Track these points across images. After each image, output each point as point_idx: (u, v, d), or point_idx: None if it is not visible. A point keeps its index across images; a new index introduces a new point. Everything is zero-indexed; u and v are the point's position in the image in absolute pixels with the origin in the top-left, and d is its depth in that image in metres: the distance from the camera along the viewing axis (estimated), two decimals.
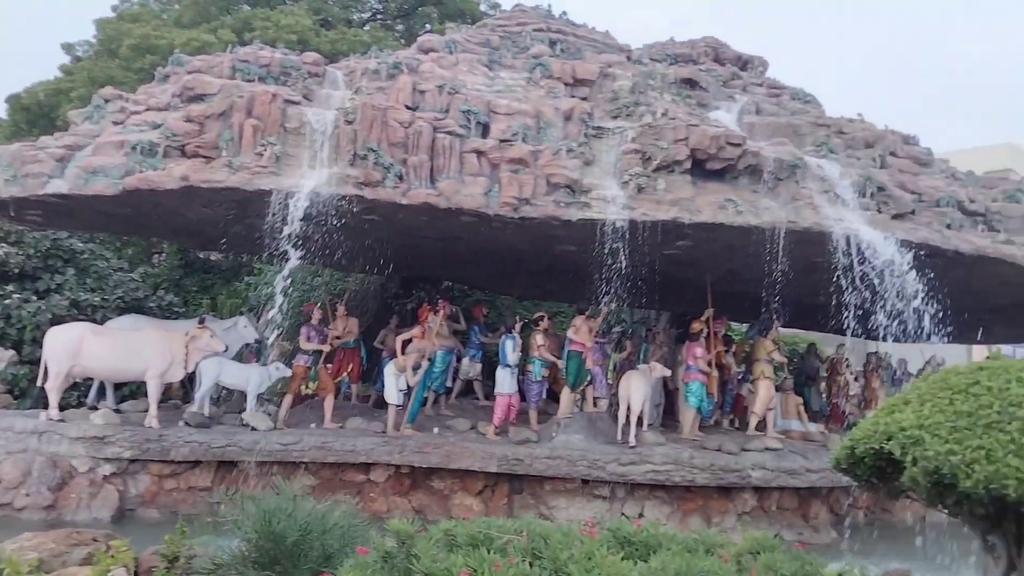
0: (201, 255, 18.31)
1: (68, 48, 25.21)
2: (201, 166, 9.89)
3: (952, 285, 10.54)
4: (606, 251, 9.78)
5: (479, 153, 10.17)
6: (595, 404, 12.43)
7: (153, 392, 10.82)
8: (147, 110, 11.02)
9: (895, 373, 16.26)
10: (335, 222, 9.83)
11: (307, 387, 12.24)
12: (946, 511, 4.62)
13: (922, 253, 9.95)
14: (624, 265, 9.95)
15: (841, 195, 10.19)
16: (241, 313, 14.06)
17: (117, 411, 11.42)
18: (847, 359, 16.06)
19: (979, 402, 4.30)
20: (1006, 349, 26.88)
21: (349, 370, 13.09)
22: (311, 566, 5.07)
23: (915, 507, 12.16)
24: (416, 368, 11.37)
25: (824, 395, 15.84)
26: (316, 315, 12.06)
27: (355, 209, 9.83)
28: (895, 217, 10.42)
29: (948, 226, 10.58)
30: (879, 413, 4.82)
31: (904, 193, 10.80)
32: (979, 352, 26.01)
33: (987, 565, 4.79)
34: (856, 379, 15.90)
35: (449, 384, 13.38)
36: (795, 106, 12.96)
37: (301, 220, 9.37)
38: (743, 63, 14.64)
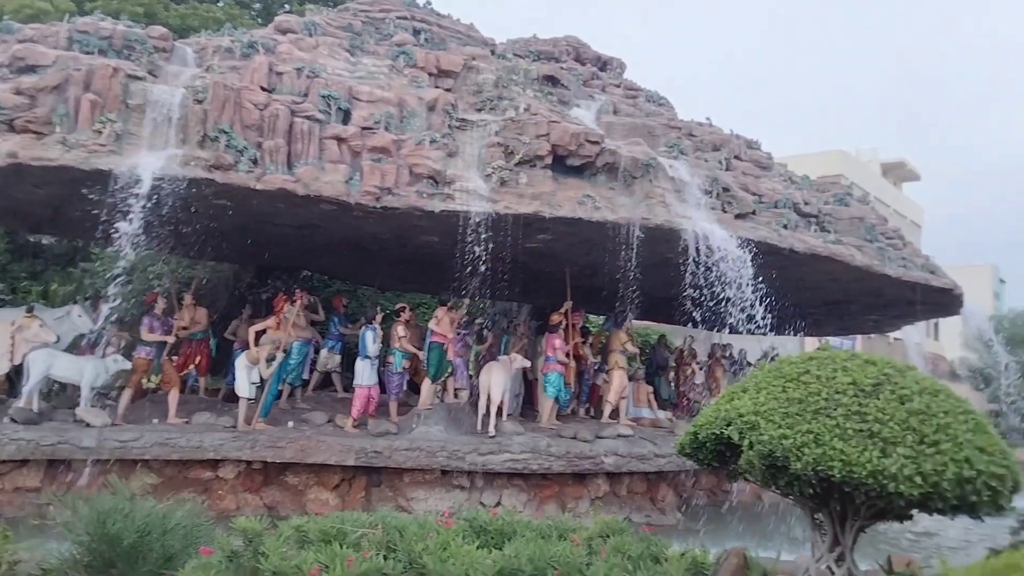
0: (31, 238, 16.83)
1: None
2: (32, 142, 9.07)
3: (788, 281, 11.33)
4: (468, 243, 9.80)
5: (340, 140, 9.91)
6: (456, 395, 12.48)
7: None
8: None
9: (737, 363, 17.31)
10: (183, 206, 9.29)
11: (149, 380, 11.53)
12: (779, 491, 4.95)
13: (761, 251, 10.62)
14: (486, 257, 10.02)
15: (690, 194, 10.70)
16: (75, 302, 13.03)
17: None
18: (694, 350, 16.93)
19: (809, 390, 4.63)
20: (834, 341, 29.25)
21: (197, 362, 12.49)
22: (150, 568, 4.81)
23: (753, 488, 12.99)
24: (270, 360, 10.98)
25: (673, 384, 16.64)
26: (160, 304, 11.40)
27: (205, 193, 9.34)
28: (738, 216, 11.06)
29: (785, 226, 11.34)
30: (719, 401, 5.10)
31: (747, 194, 11.48)
32: (811, 344, 28.19)
33: (815, 540, 5.18)
34: (702, 369, 16.78)
35: (306, 376, 13.00)
36: (650, 108, 13.49)
37: (144, 203, 8.77)
38: (603, 64, 15.08)
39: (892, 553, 6.66)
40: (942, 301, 13.74)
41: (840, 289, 13.07)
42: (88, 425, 10.13)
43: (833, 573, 4.96)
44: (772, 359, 16.14)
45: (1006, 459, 4.39)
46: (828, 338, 27.47)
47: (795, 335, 19.33)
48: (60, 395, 11.97)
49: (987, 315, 38.75)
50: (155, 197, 8.91)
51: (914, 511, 4.73)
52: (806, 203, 12.19)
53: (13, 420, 9.97)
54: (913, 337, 20.60)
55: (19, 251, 16.79)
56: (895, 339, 32.02)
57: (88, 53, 10.11)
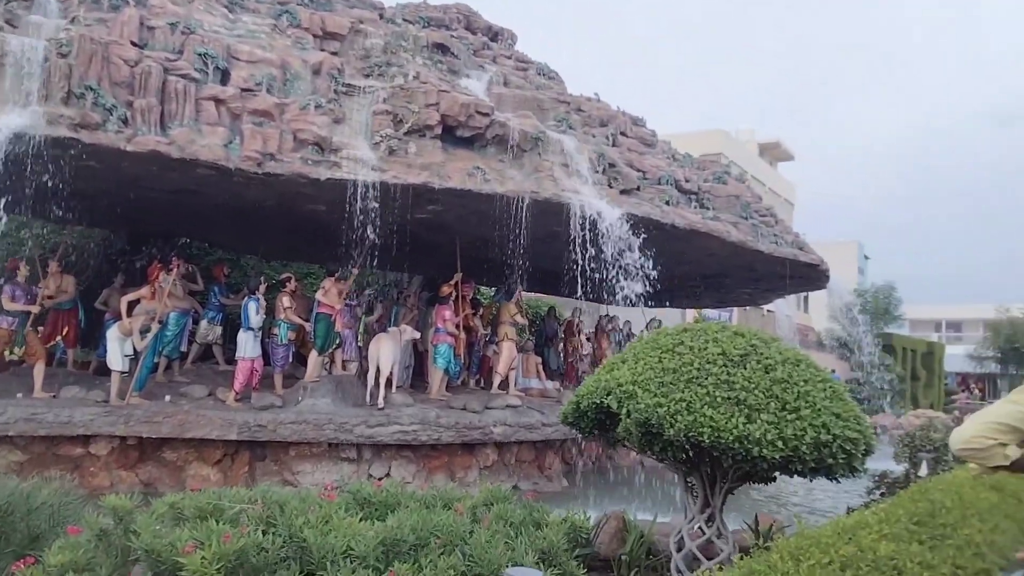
0: None
1: None
2: None
3: (669, 256, 11.74)
4: (356, 212, 9.63)
5: (218, 101, 9.48)
6: (344, 367, 12.32)
7: None
8: None
9: (622, 333, 17.86)
10: (45, 168, 8.68)
11: (12, 352, 10.81)
12: (655, 457, 5.18)
13: (645, 226, 10.95)
14: (375, 227, 9.88)
15: (578, 169, 10.88)
16: None
17: None
18: (581, 321, 17.34)
19: (682, 360, 4.84)
20: (713, 313, 30.61)
21: (64, 333, 11.80)
22: (14, 550, 4.57)
23: (634, 455, 13.52)
24: (144, 331, 10.50)
25: (561, 355, 17.00)
26: (23, 271, 10.67)
27: (70, 154, 8.74)
28: (623, 192, 11.34)
29: (667, 202, 11.72)
30: (601, 371, 5.26)
31: (631, 170, 11.78)
32: (692, 315, 29.40)
33: (687, 502, 5.46)
34: (589, 340, 17.22)
35: (184, 349, 12.50)
36: (540, 81, 13.58)
37: (2, 163, 8.14)
38: (494, 34, 15.03)
39: (760, 513, 7.11)
40: (810, 276, 14.60)
41: (717, 263, 13.66)
42: None
43: (704, 532, 5.24)
44: (653, 330, 16.76)
45: (860, 424, 4.73)
46: (706, 310, 28.75)
47: (675, 307, 20.12)
48: None
49: (851, 289, 41.55)
50: (14, 156, 8.29)
51: (776, 473, 5.05)
52: (687, 180, 12.63)
53: None
54: (784, 309, 21.81)
55: None
56: (768, 311, 33.84)
57: None
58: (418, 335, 12.82)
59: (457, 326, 12.59)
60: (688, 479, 5.41)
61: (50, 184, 9.15)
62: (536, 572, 3.70)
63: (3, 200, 8.77)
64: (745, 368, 4.75)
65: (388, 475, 10.70)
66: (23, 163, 8.46)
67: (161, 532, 3.80)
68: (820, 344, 39.90)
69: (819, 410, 4.60)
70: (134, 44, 9.47)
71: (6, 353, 10.79)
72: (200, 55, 9.58)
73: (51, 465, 9.66)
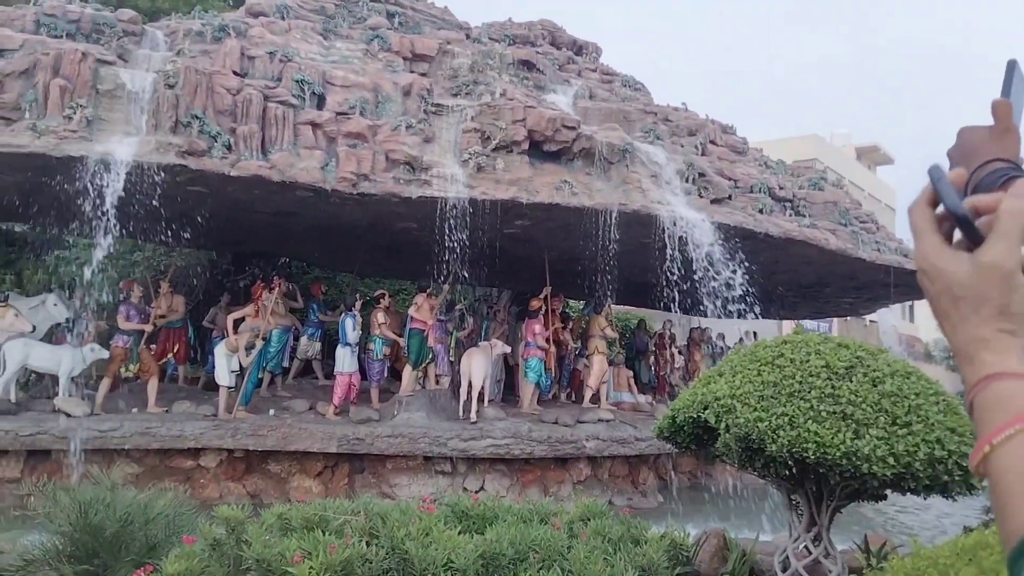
0: (3, 226, 16.56)
1: None
2: (0, 129, 8.92)
3: (763, 265, 11.44)
4: (447, 229, 9.79)
5: (315, 125, 9.84)
6: (437, 381, 12.49)
7: None
8: None
9: (715, 346, 17.48)
10: (156, 193, 9.19)
11: (127, 369, 11.44)
12: (755, 473, 5.04)
13: (737, 235, 10.71)
14: (465, 243, 10.01)
15: (667, 179, 10.75)
16: (50, 290, 12.85)
17: None
18: (673, 334, 17.06)
19: (783, 373, 4.70)
20: (811, 324, 29.60)
21: (175, 351, 12.40)
22: (133, 558, 4.80)
23: (732, 471, 13.17)
24: (250, 348, 10.93)
25: (653, 368, 16.77)
26: (137, 292, 11.29)
27: (179, 180, 9.24)
28: (714, 201, 11.14)
29: (760, 211, 11.44)
30: (697, 384, 5.16)
31: (722, 179, 11.56)
32: (788, 327, 28.49)
33: (792, 521, 5.28)
34: (681, 352, 16.93)
35: (286, 364, 12.95)
36: (626, 93, 13.51)
37: (117, 190, 8.67)
38: (578, 48, 15.06)
39: (869, 533, 6.81)
40: (916, 284, 13.88)
41: (815, 272, 13.22)
42: (67, 415, 10.04)
43: (811, 552, 5.06)
44: (748, 342, 16.33)
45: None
46: (804, 321, 27.82)
47: (771, 318, 19.54)
48: (37, 385, 11.84)
49: None
50: (128, 184, 8.81)
51: (888, 491, 4.83)
52: (781, 188, 12.29)
53: None
54: (888, 319, 20.90)
55: None
56: (871, 321, 32.48)
57: (56, 37, 9.95)
58: (508, 349, 12.89)
59: (547, 340, 12.60)
60: (792, 496, 5.23)
61: (160, 209, 9.68)
62: None
63: (119, 224, 9.31)
64: (851, 381, 4.58)
65: (483, 488, 10.77)
66: (135, 189, 8.99)
67: (271, 542, 3.94)
68: (928, 356, 37.99)
69: (932, 425, 4.38)
70: (236, 73, 9.95)
71: (122, 370, 11.41)
72: (297, 82, 9.98)
73: (164, 477, 10.14)
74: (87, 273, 9.74)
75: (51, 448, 9.70)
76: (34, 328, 10.72)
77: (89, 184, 8.72)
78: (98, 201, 8.71)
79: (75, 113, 9.02)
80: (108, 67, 9.57)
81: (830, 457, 4.30)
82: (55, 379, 10.71)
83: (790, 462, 4.56)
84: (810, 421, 4.40)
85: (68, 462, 9.77)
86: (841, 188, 14.19)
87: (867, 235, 12.74)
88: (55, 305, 11.70)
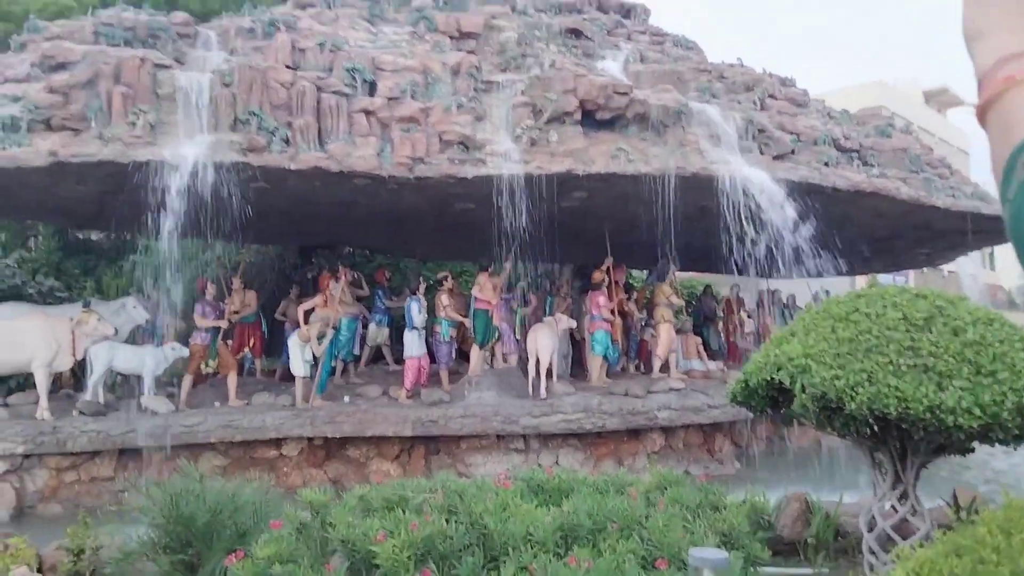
0: (80, 235, 17.27)
1: None
2: (70, 139, 9.26)
3: (833, 220, 11.08)
4: (504, 206, 9.78)
5: (368, 112, 9.91)
6: (505, 360, 12.56)
7: (42, 382, 10.23)
8: (5, 82, 10.18)
9: (786, 307, 17.08)
10: (221, 191, 9.42)
11: (207, 365, 11.82)
12: (835, 433, 4.91)
13: (803, 191, 10.40)
14: (523, 219, 9.98)
15: (725, 138, 10.49)
16: (128, 294, 13.37)
17: (5, 405, 10.76)
18: (741, 297, 16.74)
19: (859, 328, 4.56)
20: (884, 278, 28.64)
21: (251, 345, 12.75)
22: (224, 545, 4.98)
23: (811, 433, 12.90)
24: (321, 337, 11.16)
25: (722, 334, 16.50)
26: (210, 290, 11.64)
27: (241, 177, 9.44)
28: (776, 157, 10.82)
29: (826, 163, 11.07)
30: (768, 346, 5.05)
31: (783, 134, 11.21)
32: (862, 283, 27.65)
33: (876, 480, 5.14)
34: (750, 316, 16.61)
35: (357, 351, 13.20)
36: (678, 53, 13.20)
37: (184, 191, 8.92)
38: (626, 11, 14.76)
39: (958, 487, 6.59)
40: (995, 229, 13.32)
41: (887, 224, 12.76)
42: (154, 413, 10.46)
43: (897, 511, 4.92)
44: (821, 301, 15.91)
45: None
46: (879, 275, 26.94)
47: (844, 275, 18.99)
48: (124, 386, 12.35)
49: None
50: (193, 184, 9.06)
51: (975, 443, 4.66)
52: (846, 138, 11.87)
53: (82, 413, 10.33)
54: (967, 268, 20.07)
55: (70, 248, 17.23)
56: (949, 272, 31.25)
57: (114, 45, 10.24)
58: (574, 324, 12.85)
59: (612, 312, 12.51)
60: (875, 455, 5.09)
61: (226, 206, 9.93)
62: (721, 552, 3.61)
63: (188, 225, 9.59)
64: (931, 332, 4.41)
65: (556, 464, 10.82)
66: (202, 189, 9.23)
67: (354, 523, 4.03)
68: (1012, 303, 36.40)
69: (1019, 372, 4.20)
70: (288, 67, 10.09)
71: (202, 366, 11.81)
72: (348, 70, 10.06)
73: (249, 467, 10.48)
74: (162, 275, 10.08)
75: (141, 445, 10.11)
76: (116, 331, 11.15)
77: (157, 187, 8.99)
78: (166, 203, 8.98)
79: (138, 119, 9.29)
80: (166, 71, 9.81)
81: (912, 412, 4.17)
82: (140, 379, 11.15)
83: (871, 420, 4.43)
84: (890, 376, 4.27)
85: (157, 458, 10.20)
86: (910, 134, 13.61)
87: (940, 181, 12.21)
88: (134, 308, 12.17)
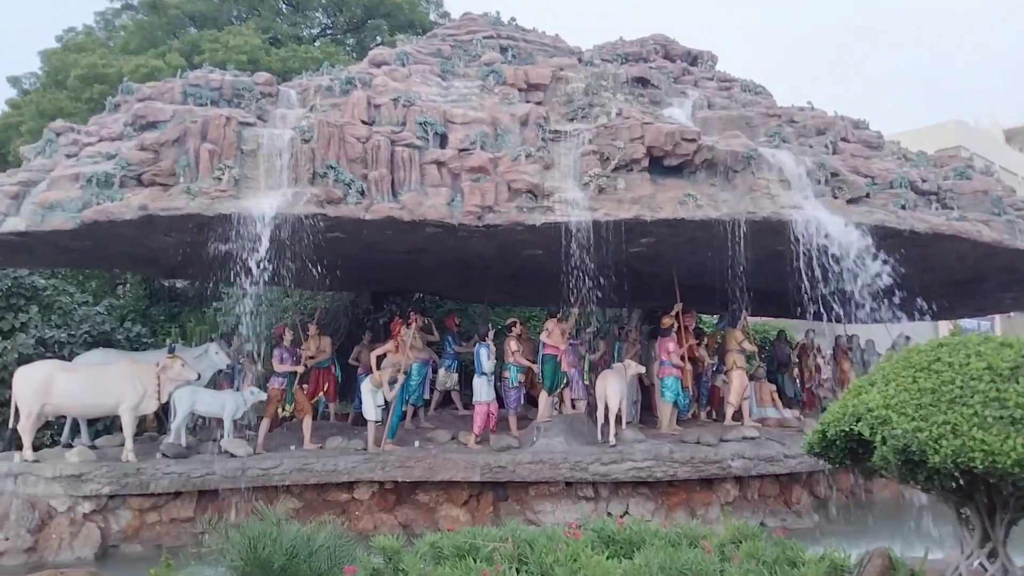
0: (166, 283, 18.09)
1: (14, 81, 24.80)
2: (159, 194, 9.79)
3: (911, 264, 10.78)
4: (572, 253, 9.86)
5: (439, 164, 10.20)
6: (573, 406, 12.50)
7: (128, 425, 10.66)
8: (100, 141, 10.89)
9: (864, 354, 16.55)
10: (300, 242, 9.79)
11: (284, 409, 12.14)
12: (919, 487, 4.74)
13: (879, 235, 10.17)
14: (591, 265, 10.04)
15: (796, 183, 10.38)
16: (211, 339, 13.89)
17: (92, 447, 11.22)
18: (816, 343, 16.31)
19: (941, 378, 4.43)
20: (969, 323, 27.50)
21: (325, 389, 13.03)
22: None
23: (893, 486, 12.37)
24: (392, 383, 11.34)
25: (797, 381, 16.07)
26: (288, 336, 11.98)
27: (319, 227, 9.80)
28: (850, 201, 10.63)
29: (902, 207, 10.82)
30: (847, 395, 4.94)
31: (857, 177, 11.02)
32: (945, 328, 26.59)
33: (963, 537, 4.93)
34: (827, 362, 16.15)
35: (427, 396, 13.35)
36: (746, 98, 13.17)
37: (265, 242, 9.30)
38: (692, 58, 14.86)
39: None
40: None
41: (969, 268, 12.32)
42: (232, 455, 10.76)
43: (986, 570, 4.70)
44: (901, 347, 15.38)
45: None
46: (962, 320, 25.89)
47: (924, 319, 18.32)
48: (204, 428, 12.76)
49: None
50: (274, 235, 9.44)
51: None
52: (924, 180, 11.58)
53: (164, 455, 10.71)
54: None
55: (156, 296, 18.06)
56: None
57: (201, 105, 10.84)
58: (643, 369, 12.73)
59: (682, 357, 12.37)
60: (961, 510, 4.89)
61: (304, 256, 10.30)
62: None
63: (268, 273, 9.96)
64: (1018, 383, 4.26)
65: (627, 513, 10.63)
66: (282, 239, 9.62)
67: (425, 570, 4.08)
68: None
69: None
70: (363, 122, 10.49)
71: (279, 410, 12.12)
72: (420, 124, 10.40)
73: (322, 510, 10.60)
74: (243, 322, 10.47)
75: (220, 487, 10.40)
76: (199, 376, 11.58)
77: (240, 238, 9.41)
78: (248, 253, 9.37)
79: (223, 174, 9.77)
80: (249, 128, 10.32)
81: (1000, 466, 4.02)
82: (220, 422, 11.51)
83: (956, 473, 4.28)
84: (975, 428, 4.13)
85: (235, 499, 10.46)
86: (991, 175, 13.18)
87: None
88: (216, 353, 12.62)
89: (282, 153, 10.07)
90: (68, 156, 10.76)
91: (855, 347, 16.27)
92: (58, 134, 11.27)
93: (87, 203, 9.75)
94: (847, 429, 4.70)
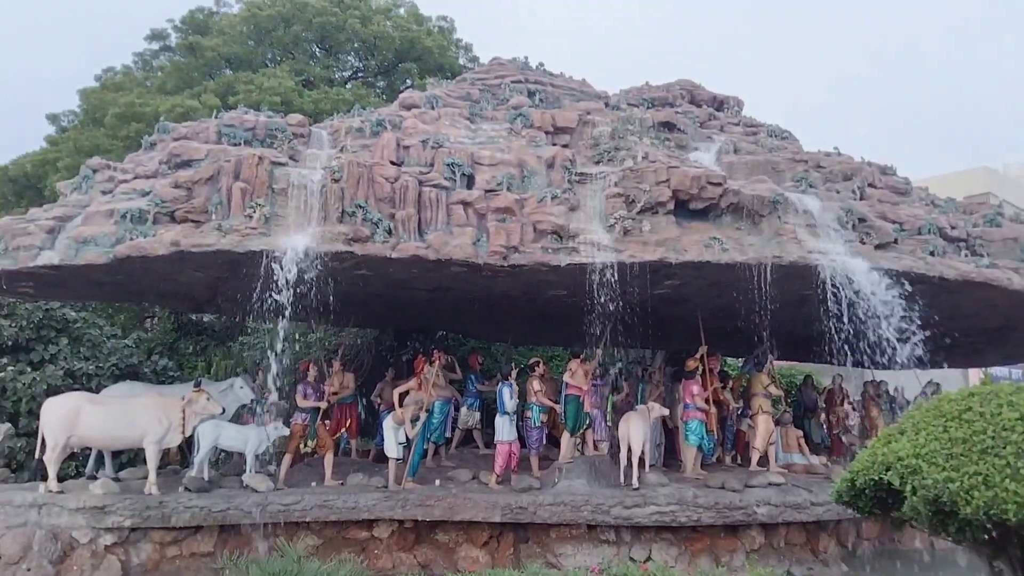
0: (194, 318, 18.33)
1: (53, 119, 25.51)
2: (191, 231, 9.98)
3: (941, 311, 10.68)
4: (596, 294, 9.88)
5: (465, 204, 10.32)
6: (596, 447, 12.40)
7: (152, 458, 10.73)
8: (135, 178, 11.15)
9: (893, 400, 16.29)
10: (327, 279, 9.90)
11: (306, 445, 12.16)
12: (950, 539, 4.65)
13: (908, 281, 10.09)
14: (615, 307, 10.04)
15: (823, 228, 10.36)
16: (237, 374, 14.01)
17: (116, 479, 11.31)
18: (844, 389, 16.09)
19: (973, 428, 4.37)
20: (999, 371, 26.97)
21: (347, 426, 13.05)
22: None
23: (923, 536, 12.08)
24: (414, 420, 11.34)
25: (824, 426, 15.84)
26: (312, 372, 12.05)
27: (346, 265, 9.93)
28: (878, 247, 10.58)
29: (931, 253, 10.74)
30: (876, 444, 4.88)
31: (885, 223, 10.98)
32: (975, 375, 26.11)
33: None
34: (855, 408, 15.91)
35: (448, 434, 13.33)
36: (772, 143, 13.23)
37: (294, 279, 9.43)
38: (719, 103, 14.98)
39: None
40: None
41: (1000, 315, 12.16)
42: (254, 491, 10.77)
43: None
44: (933, 396, 15.12)
45: None
46: (993, 368, 25.42)
47: (954, 367, 18.02)
48: (227, 462, 12.80)
49: None
50: (303, 272, 9.57)
51: None
52: (952, 227, 11.51)
53: (187, 489, 10.74)
54: None
55: (183, 329, 18.29)
56: None
57: (235, 144, 11.10)
58: (667, 412, 12.62)
59: (707, 401, 12.26)
60: (994, 563, 4.78)
61: (331, 293, 10.41)
62: None
63: (295, 310, 10.07)
64: None
65: (649, 558, 10.46)
66: (309, 277, 9.74)
67: None
68: None
69: None
70: (392, 163, 10.68)
71: (301, 446, 12.16)
72: (448, 165, 10.56)
73: (341, 548, 10.57)
74: (269, 357, 10.56)
75: (241, 522, 10.40)
76: (223, 410, 11.66)
77: (268, 275, 9.54)
78: (277, 290, 9.50)
79: (255, 212, 9.96)
80: (281, 168, 10.53)
81: None
82: (243, 457, 11.55)
83: (988, 525, 4.20)
84: (1007, 480, 4.06)
85: (256, 535, 10.45)
86: (1021, 223, 13.06)
87: None
88: (241, 388, 12.73)
89: (312, 192, 10.24)
90: (103, 192, 11.03)
91: (883, 393, 16.01)
92: (94, 171, 11.56)
93: (120, 238, 9.96)
94: (876, 478, 4.64)
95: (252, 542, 10.32)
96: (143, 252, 9.82)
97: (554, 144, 11.80)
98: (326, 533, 10.77)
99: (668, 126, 12.82)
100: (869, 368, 14.07)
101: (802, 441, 13.77)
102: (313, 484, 11.41)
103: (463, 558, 10.70)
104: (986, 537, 4.36)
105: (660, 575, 4.88)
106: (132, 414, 10.79)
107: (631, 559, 10.47)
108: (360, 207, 10.00)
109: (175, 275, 10.82)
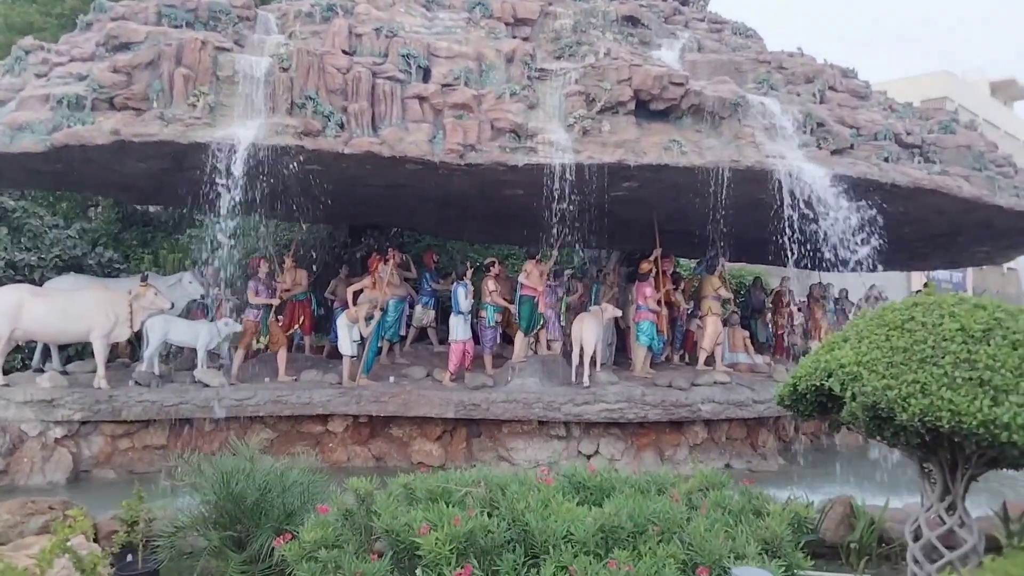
0: (140, 208, 17.75)
1: None
2: (132, 119, 9.49)
3: (891, 216, 10.83)
4: (554, 195, 9.77)
5: (421, 99, 9.96)
6: (549, 347, 12.60)
7: (99, 352, 10.59)
8: (71, 61, 10.49)
9: (837, 303, 16.77)
10: (276, 173, 9.59)
11: (258, 341, 12.11)
12: (885, 441, 4.84)
13: (861, 186, 10.17)
14: (572, 208, 9.96)
15: (782, 132, 10.30)
16: (185, 268, 13.73)
17: (64, 373, 11.18)
18: (791, 291, 16.48)
19: (914, 338, 4.47)
20: (941, 274, 27.88)
21: (300, 322, 13.00)
22: (272, 524, 5.14)
23: (857, 436, 12.69)
24: (369, 318, 11.33)
25: (770, 327, 16.28)
26: (263, 268, 11.88)
27: (296, 160, 9.60)
28: (834, 152, 10.58)
29: (886, 159, 10.79)
30: (819, 351, 4.99)
31: (843, 128, 10.95)
32: (917, 279, 26.97)
33: (924, 490, 5.06)
34: (800, 310, 16.35)
35: (403, 332, 13.37)
36: (737, 41, 12.94)
37: (240, 172, 9.11)
38: None
39: (1009, 499, 6.45)
40: None
41: (947, 222, 12.41)
42: (206, 385, 10.76)
43: (944, 521, 4.85)
44: (877, 298, 15.58)
45: None
46: (936, 271, 26.25)
47: (899, 270, 18.51)
48: (178, 358, 12.72)
49: None
50: (249, 165, 9.24)
51: None
52: (908, 133, 11.54)
53: (137, 383, 10.68)
54: None
55: (129, 220, 17.71)
56: (1008, 269, 30.28)
57: (176, 27, 10.43)
58: (619, 313, 12.81)
59: (659, 302, 12.44)
60: (924, 464, 5.01)
61: (280, 187, 10.10)
62: (764, 573, 3.60)
63: (243, 204, 9.78)
64: (989, 344, 4.31)
65: (597, 452, 10.85)
66: (257, 171, 9.41)
67: (398, 513, 4.12)
68: None
69: None
70: (345, 52, 10.17)
71: (253, 342, 12.10)
72: (403, 56, 10.10)
73: (296, 442, 10.75)
74: (218, 252, 10.33)
75: (192, 416, 10.43)
76: (172, 305, 11.47)
77: (214, 167, 9.19)
78: (223, 183, 9.18)
79: (198, 100, 9.49)
80: (226, 54, 9.97)
81: (966, 426, 4.10)
82: (194, 352, 11.47)
83: (922, 431, 4.36)
84: (944, 388, 4.19)
85: (208, 429, 10.52)
86: (975, 129, 13.16)
87: (1004, 180, 11.81)
88: (190, 283, 12.50)
89: (259, 81, 9.76)
90: (38, 76, 10.37)
91: (829, 295, 16.46)
92: (27, 52, 10.82)
93: (57, 125, 9.46)
94: (818, 384, 4.76)
95: (204, 435, 10.40)
96: (82, 141, 9.35)
97: (514, 37, 11.35)
98: (280, 427, 10.90)
99: (632, 20, 12.41)
100: (816, 271, 14.39)
101: (748, 341, 14.16)
102: (267, 380, 11.45)
103: (416, 451, 10.96)
104: (919, 441, 4.53)
105: (606, 475, 5.03)
106: (78, 307, 10.56)
107: (580, 452, 10.85)
108: (310, 99, 9.59)
109: (116, 165, 10.35)
